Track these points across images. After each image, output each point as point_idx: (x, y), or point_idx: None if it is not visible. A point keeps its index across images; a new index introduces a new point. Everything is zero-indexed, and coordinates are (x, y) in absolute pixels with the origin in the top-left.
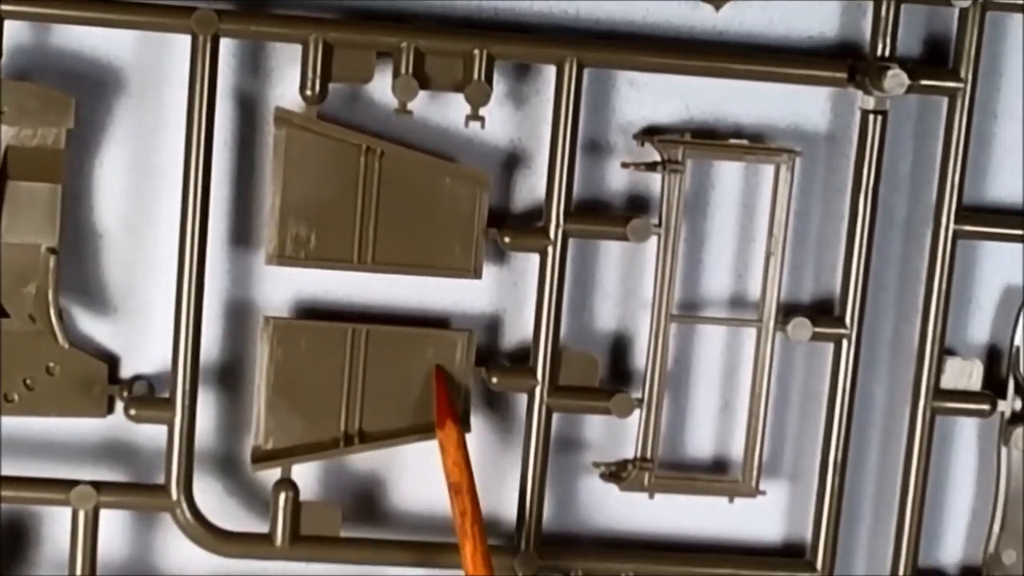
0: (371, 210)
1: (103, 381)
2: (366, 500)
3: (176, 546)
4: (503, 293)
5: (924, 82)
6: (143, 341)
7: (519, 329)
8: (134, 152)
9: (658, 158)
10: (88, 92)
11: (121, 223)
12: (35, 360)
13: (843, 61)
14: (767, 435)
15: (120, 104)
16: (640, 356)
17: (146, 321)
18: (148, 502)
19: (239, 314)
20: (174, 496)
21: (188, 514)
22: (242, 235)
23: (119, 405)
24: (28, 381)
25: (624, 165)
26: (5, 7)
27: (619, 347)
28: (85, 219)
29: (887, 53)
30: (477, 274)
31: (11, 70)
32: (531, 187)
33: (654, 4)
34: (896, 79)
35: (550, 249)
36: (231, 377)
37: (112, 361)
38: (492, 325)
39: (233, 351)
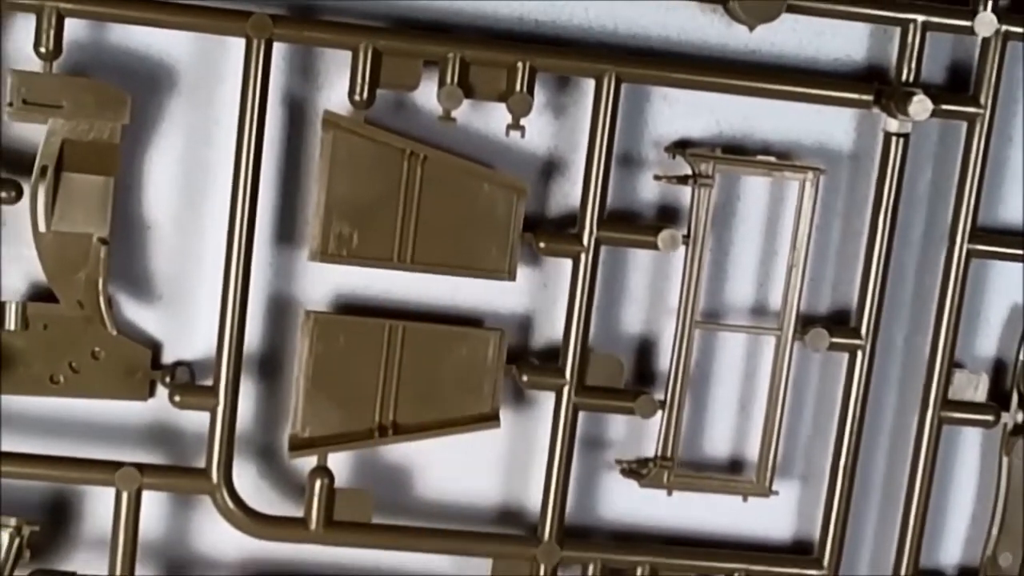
0: (412, 212)
1: (146, 367)
2: (397, 488)
3: (212, 527)
4: (534, 295)
5: (946, 107)
6: (186, 329)
7: (549, 330)
8: (185, 148)
9: (688, 171)
10: (143, 89)
11: (170, 216)
12: (82, 344)
13: (869, 84)
14: (781, 438)
15: (173, 102)
16: (664, 360)
17: (190, 310)
18: (189, 485)
19: (281, 307)
20: (214, 480)
21: (227, 498)
22: (286, 232)
23: (161, 390)
24: (74, 364)
25: (656, 178)
26: (65, 5)
27: (644, 351)
28: (135, 211)
29: (912, 78)
30: (511, 276)
31: (69, 66)
32: (566, 195)
33: (690, 22)
34: (921, 105)
35: (583, 255)
36: (271, 367)
37: (155, 347)
38: (523, 325)
39: (273, 343)
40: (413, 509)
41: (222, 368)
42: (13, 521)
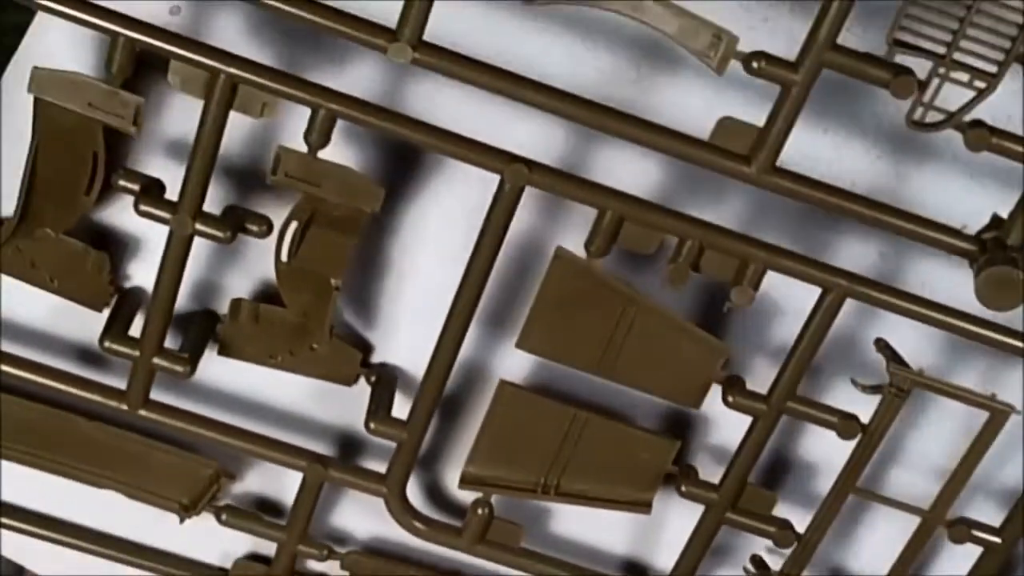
0: (618, 342)
1: (355, 365)
2: (531, 513)
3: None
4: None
5: None
6: (399, 336)
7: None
8: (426, 214)
9: (887, 381)
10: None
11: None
12: (301, 340)
13: None
14: None
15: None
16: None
17: (405, 323)
18: (367, 486)
19: (482, 365)
20: (387, 491)
21: (399, 505)
22: (499, 318)
23: (360, 402)
24: (292, 351)
25: (853, 382)
26: (337, 107)
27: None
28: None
29: None
30: (696, 407)
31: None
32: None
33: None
34: None
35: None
36: (462, 398)
37: (366, 349)
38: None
39: (468, 385)
40: (542, 538)
41: (416, 415)
42: (215, 465)
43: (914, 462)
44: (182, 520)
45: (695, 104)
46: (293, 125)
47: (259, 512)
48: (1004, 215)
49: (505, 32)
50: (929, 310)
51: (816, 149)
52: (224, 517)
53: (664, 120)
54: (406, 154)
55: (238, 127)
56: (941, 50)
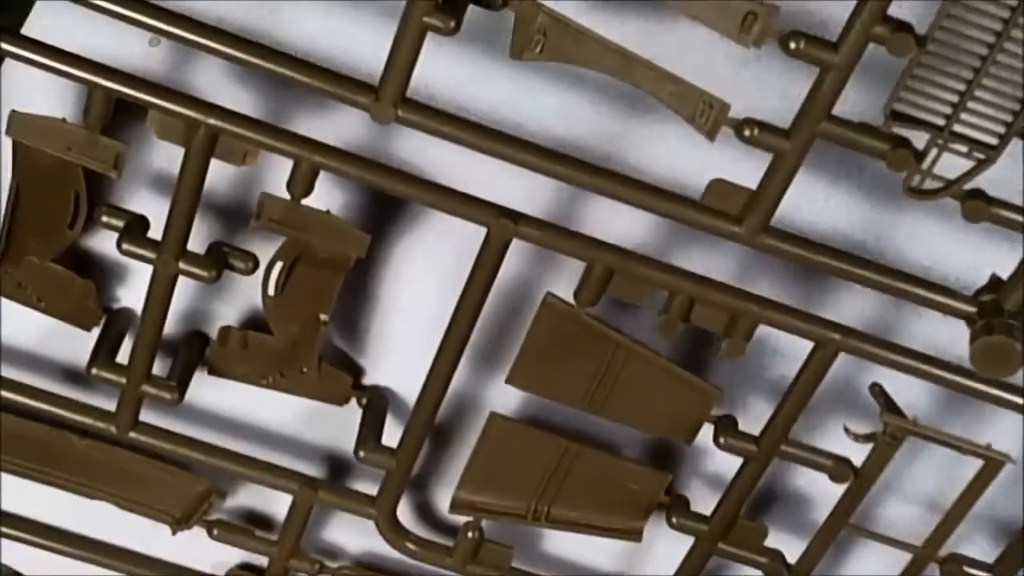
0: (608, 384)
1: (347, 386)
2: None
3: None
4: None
5: None
6: (391, 359)
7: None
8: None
9: (880, 430)
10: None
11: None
12: (291, 364)
13: None
14: None
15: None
16: None
17: (398, 347)
18: (357, 508)
19: (474, 395)
20: (376, 512)
21: (389, 527)
22: (491, 354)
23: (352, 419)
24: (282, 373)
25: (846, 430)
26: (320, 159)
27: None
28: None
29: None
30: (688, 443)
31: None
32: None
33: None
34: None
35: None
36: (451, 429)
37: (358, 371)
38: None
39: (459, 413)
40: (533, 557)
41: (404, 449)
42: (206, 483)
43: (907, 494)
44: (174, 532)
45: (690, 157)
46: (281, 164)
47: (250, 527)
48: (1005, 270)
49: (495, 86)
50: (925, 364)
51: (812, 201)
52: (216, 532)
53: (658, 173)
54: (393, 199)
55: (224, 164)
56: (940, 122)
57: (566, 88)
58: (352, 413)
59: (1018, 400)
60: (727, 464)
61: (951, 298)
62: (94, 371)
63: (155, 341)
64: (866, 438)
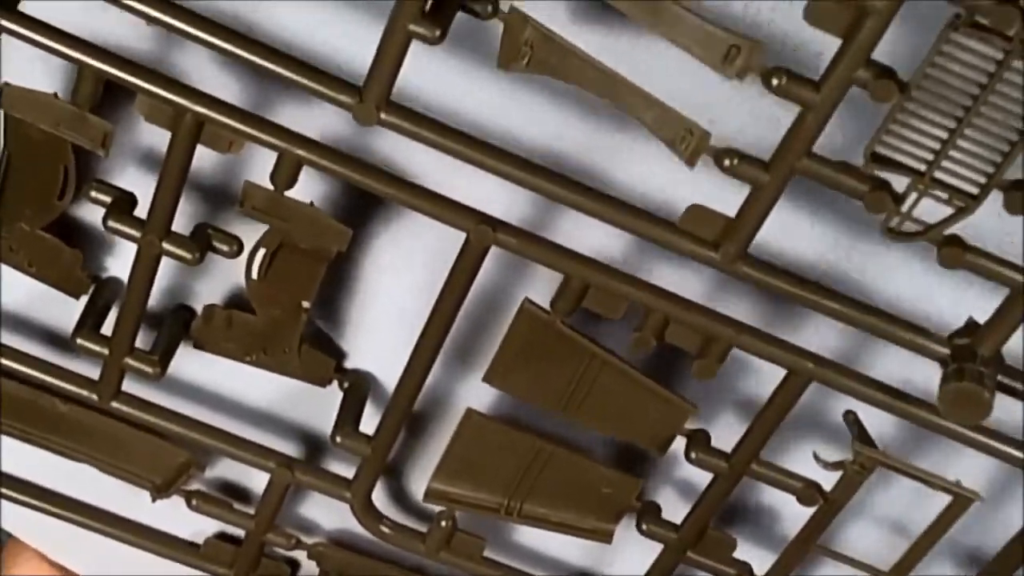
0: (583, 392)
1: (329, 368)
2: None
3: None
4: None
5: None
6: (371, 345)
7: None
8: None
9: (850, 458)
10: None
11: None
12: (274, 343)
13: None
14: None
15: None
16: None
17: (380, 330)
18: (333, 490)
19: (450, 390)
20: (351, 496)
21: (363, 511)
22: (469, 351)
23: (333, 401)
24: (266, 350)
25: (815, 457)
26: (304, 153)
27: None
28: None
29: None
30: (661, 454)
31: None
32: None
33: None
34: None
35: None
36: (428, 420)
37: (340, 355)
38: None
39: (435, 407)
40: (501, 544)
41: (382, 433)
42: (186, 455)
43: (875, 517)
44: (154, 499)
45: (674, 180)
46: (268, 152)
47: (228, 499)
48: (987, 312)
49: (484, 91)
50: (898, 400)
51: (798, 228)
52: (194, 502)
53: (641, 191)
54: (376, 196)
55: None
56: (922, 167)
57: (556, 99)
58: (334, 395)
59: (988, 441)
60: (699, 473)
61: (925, 338)
62: (79, 341)
63: (139, 316)
64: (835, 466)
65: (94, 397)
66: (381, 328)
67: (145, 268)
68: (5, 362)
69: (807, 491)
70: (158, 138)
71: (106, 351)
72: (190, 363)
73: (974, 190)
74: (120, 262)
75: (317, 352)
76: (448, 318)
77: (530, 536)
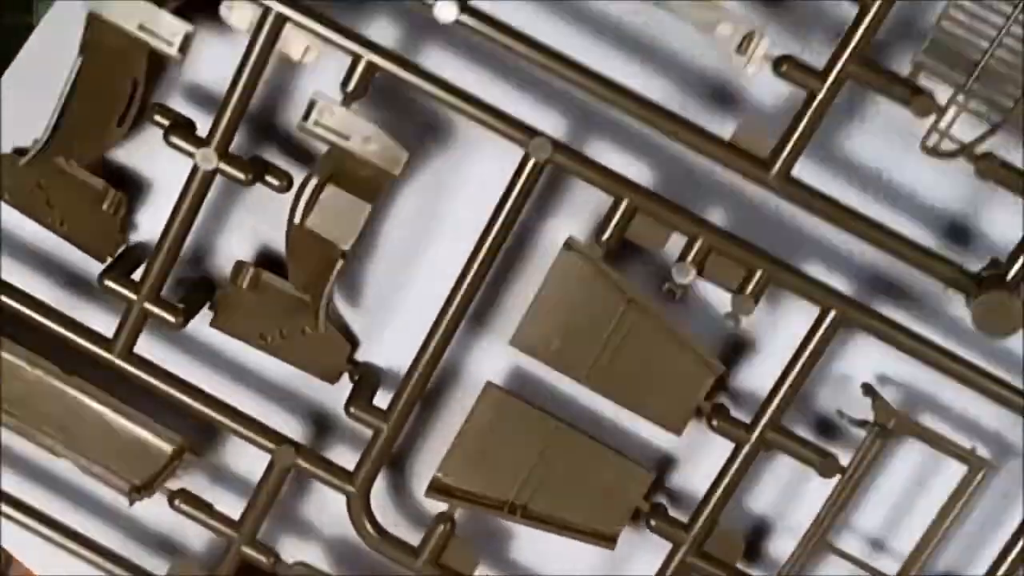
0: (613, 347)
1: (343, 358)
2: (500, 539)
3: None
4: (694, 451)
5: None
6: (386, 337)
7: (690, 485)
8: (432, 205)
9: (871, 418)
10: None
11: (401, 242)
12: (295, 320)
13: None
14: None
15: (438, 163)
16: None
17: (395, 324)
18: (333, 481)
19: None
20: (353, 489)
21: (361, 511)
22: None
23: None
24: (284, 331)
25: (840, 414)
26: (376, 59)
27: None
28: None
29: None
30: (678, 433)
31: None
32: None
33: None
34: None
35: (746, 446)
36: (440, 396)
37: (354, 343)
38: (676, 468)
39: (449, 381)
40: (503, 561)
41: (397, 408)
42: (179, 440)
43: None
44: (131, 503)
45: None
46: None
47: (210, 502)
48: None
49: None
50: (919, 344)
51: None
52: (176, 502)
53: None
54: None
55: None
56: (962, 79)
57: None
58: (343, 387)
59: (1000, 391)
60: (699, 482)
61: (955, 272)
62: (106, 282)
63: (175, 254)
64: (859, 423)
65: (107, 355)
66: (399, 313)
67: (197, 189)
68: (22, 309)
69: (827, 462)
70: (214, 73)
71: (133, 295)
72: (201, 336)
73: (1009, 103)
74: (152, 220)
75: (336, 333)
76: (495, 248)
77: (526, 554)
